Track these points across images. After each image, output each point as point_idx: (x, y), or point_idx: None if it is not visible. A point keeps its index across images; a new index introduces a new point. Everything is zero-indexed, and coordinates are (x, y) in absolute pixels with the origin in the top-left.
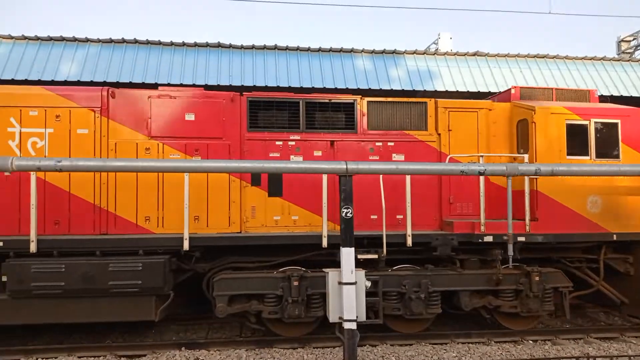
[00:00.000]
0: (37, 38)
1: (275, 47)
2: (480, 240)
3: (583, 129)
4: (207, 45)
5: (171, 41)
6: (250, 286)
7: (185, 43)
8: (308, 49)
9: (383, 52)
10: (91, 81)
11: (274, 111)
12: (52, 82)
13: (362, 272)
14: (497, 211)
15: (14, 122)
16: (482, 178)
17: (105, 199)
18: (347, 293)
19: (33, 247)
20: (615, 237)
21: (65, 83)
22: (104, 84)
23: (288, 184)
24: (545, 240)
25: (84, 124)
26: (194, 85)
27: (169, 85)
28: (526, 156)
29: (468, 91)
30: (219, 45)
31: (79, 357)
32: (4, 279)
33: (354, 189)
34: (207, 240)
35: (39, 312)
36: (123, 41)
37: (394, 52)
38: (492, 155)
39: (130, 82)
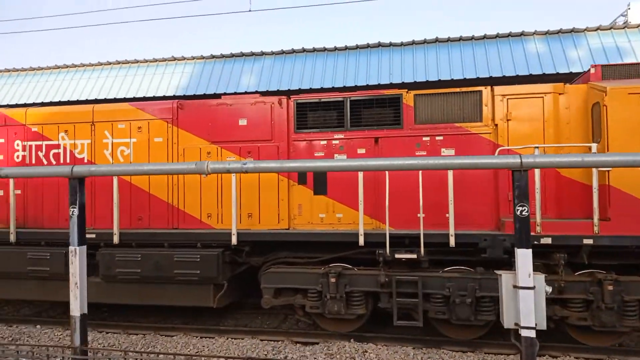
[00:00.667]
0: (222, 56)
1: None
2: (535, 242)
3: None
4: (262, 54)
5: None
6: (293, 281)
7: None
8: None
9: (559, 32)
10: (267, 90)
11: (320, 112)
12: (235, 94)
13: (541, 277)
14: (571, 209)
15: (108, 134)
16: (537, 171)
17: (177, 198)
18: (524, 298)
19: (116, 239)
20: None
21: (245, 94)
22: (277, 92)
23: (332, 183)
24: (616, 244)
25: (160, 134)
26: (256, 92)
27: (256, 92)
28: (595, 145)
29: None
30: (271, 53)
31: (261, 340)
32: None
33: (399, 184)
34: (252, 236)
35: (123, 294)
36: (292, 51)
37: (572, 30)
38: (561, 145)
39: (299, 89)
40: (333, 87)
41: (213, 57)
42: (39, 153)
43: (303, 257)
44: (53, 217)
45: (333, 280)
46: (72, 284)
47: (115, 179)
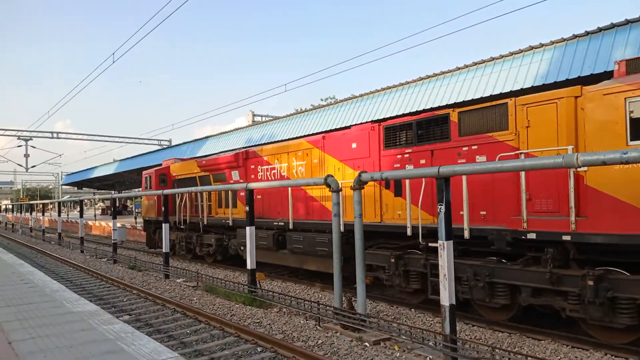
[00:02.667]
0: (586, 33)
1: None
2: (523, 237)
3: None
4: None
5: None
6: (375, 260)
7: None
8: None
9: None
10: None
11: (397, 133)
12: (604, 74)
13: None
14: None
15: (293, 159)
16: (522, 173)
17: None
18: None
19: (291, 225)
20: None
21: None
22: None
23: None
24: (589, 241)
25: (316, 157)
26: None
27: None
28: (570, 148)
29: None
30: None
31: None
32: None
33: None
34: (349, 226)
35: (295, 261)
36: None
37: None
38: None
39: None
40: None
41: (575, 37)
42: (267, 172)
43: (391, 243)
44: (273, 211)
45: (392, 260)
46: (442, 276)
47: (464, 178)
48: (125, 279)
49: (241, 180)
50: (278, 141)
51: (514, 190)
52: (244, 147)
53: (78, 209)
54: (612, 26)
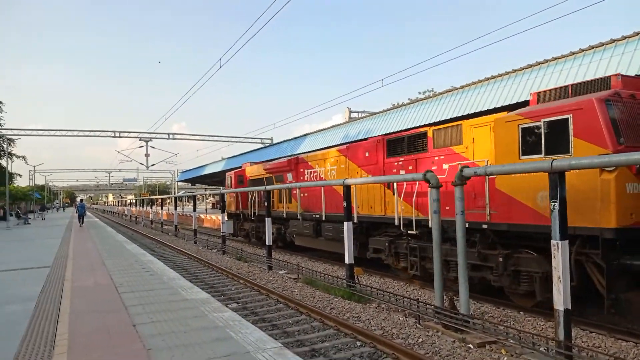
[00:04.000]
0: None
1: None
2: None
3: (535, 130)
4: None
5: None
6: (377, 244)
7: None
8: None
9: None
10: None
11: (396, 145)
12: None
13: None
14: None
15: (328, 164)
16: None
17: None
18: None
19: (299, 216)
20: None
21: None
22: None
23: None
24: (503, 229)
25: (343, 163)
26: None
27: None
28: (487, 160)
29: None
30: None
31: None
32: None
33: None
34: (364, 217)
35: (306, 242)
36: None
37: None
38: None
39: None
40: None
41: None
42: (311, 175)
43: (393, 232)
44: (314, 207)
45: (387, 244)
46: (555, 278)
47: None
48: (233, 269)
49: (293, 181)
50: (321, 149)
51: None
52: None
53: (192, 203)
54: None
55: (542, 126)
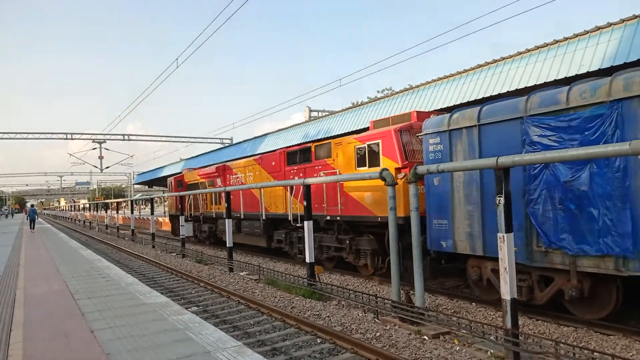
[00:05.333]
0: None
1: None
2: (327, 219)
3: (362, 150)
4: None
5: None
6: (280, 235)
7: None
8: None
9: None
10: None
11: (292, 156)
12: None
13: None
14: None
15: (248, 172)
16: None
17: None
18: None
19: (242, 215)
20: (379, 219)
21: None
22: None
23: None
24: (348, 220)
25: (258, 170)
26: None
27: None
28: (338, 171)
29: None
30: None
31: None
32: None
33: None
34: (271, 214)
35: (244, 239)
36: None
37: None
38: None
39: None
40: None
41: None
42: (235, 180)
43: (298, 225)
44: (237, 208)
45: (284, 236)
46: (502, 269)
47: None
48: (193, 272)
49: (221, 185)
50: (248, 156)
51: (322, 195)
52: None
53: (149, 206)
54: None
55: (366, 147)
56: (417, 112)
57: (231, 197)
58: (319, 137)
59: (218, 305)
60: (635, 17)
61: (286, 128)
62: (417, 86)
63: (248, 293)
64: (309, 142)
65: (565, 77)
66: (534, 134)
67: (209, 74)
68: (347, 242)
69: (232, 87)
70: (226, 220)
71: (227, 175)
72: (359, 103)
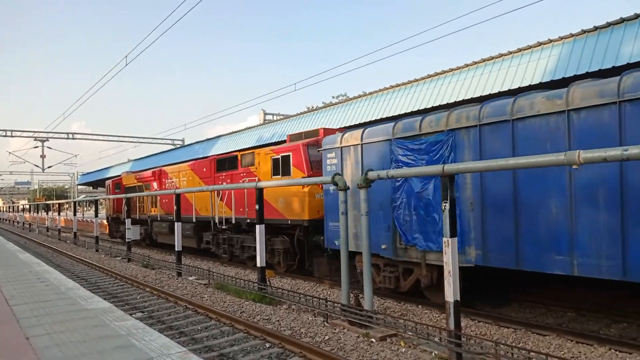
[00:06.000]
0: (595, 29)
1: None
2: (247, 221)
3: (277, 160)
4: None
5: None
6: (206, 237)
7: None
8: None
9: None
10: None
11: (221, 163)
12: (612, 69)
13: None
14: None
15: (182, 177)
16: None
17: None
18: None
19: (159, 218)
20: (289, 222)
21: (627, 67)
22: None
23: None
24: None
25: (191, 175)
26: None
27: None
28: (257, 179)
29: None
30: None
31: None
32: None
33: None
34: (201, 217)
35: (164, 239)
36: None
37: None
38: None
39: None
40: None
41: (584, 32)
42: (170, 184)
43: (223, 228)
44: (171, 210)
45: (211, 237)
46: (446, 272)
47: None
48: (139, 277)
49: (156, 188)
50: (180, 162)
51: (243, 200)
52: (196, 159)
53: (93, 208)
54: (622, 21)
55: (280, 158)
56: (324, 129)
57: (165, 200)
58: (274, 141)
59: (164, 311)
60: (571, 35)
61: (240, 131)
62: (370, 93)
63: (196, 298)
64: (236, 151)
65: (509, 90)
66: (398, 153)
67: (161, 74)
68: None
69: (184, 88)
70: (175, 223)
71: (163, 180)
72: (314, 108)
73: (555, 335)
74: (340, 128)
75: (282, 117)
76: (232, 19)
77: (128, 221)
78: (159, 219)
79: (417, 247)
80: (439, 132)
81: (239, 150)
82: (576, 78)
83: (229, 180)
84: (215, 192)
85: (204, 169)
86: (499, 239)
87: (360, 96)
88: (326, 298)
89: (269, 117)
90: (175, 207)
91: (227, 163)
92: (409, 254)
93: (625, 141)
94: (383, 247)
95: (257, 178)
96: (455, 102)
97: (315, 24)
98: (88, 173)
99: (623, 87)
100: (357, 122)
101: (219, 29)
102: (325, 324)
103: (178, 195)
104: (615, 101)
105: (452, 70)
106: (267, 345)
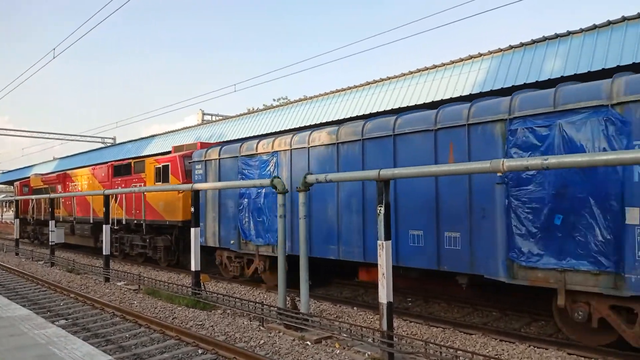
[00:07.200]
0: (521, 44)
1: None
2: (135, 222)
3: (159, 169)
4: (568, 33)
5: None
6: (123, 239)
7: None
8: None
9: None
10: (574, 74)
11: (117, 169)
12: (536, 84)
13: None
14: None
15: (83, 180)
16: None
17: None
18: None
19: (61, 219)
20: (167, 223)
21: (548, 82)
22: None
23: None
24: (148, 223)
25: (91, 179)
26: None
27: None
28: (144, 183)
29: None
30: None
31: (569, 354)
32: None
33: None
34: (96, 219)
35: (77, 240)
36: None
37: None
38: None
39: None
40: (357, 115)
41: (511, 47)
42: (73, 187)
43: (116, 228)
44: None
45: (116, 237)
46: (380, 274)
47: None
48: (63, 282)
49: (60, 191)
50: (85, 166)
51: (132, 203)
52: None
53: (13, 209)
54: (544, 39)
55: (162, 167)
56: (201, 143)
57: (62, 200)
58: (212, 141)
59: (90, 318)
60: (500, 50)
61: (176, 130)
62: (311, 97)
63: (125, 304)
64: (130, 158)
65: (442, 100)
66: (242, 168)
67: (93, 69)
68: (148, 240)
69: (117, 84)
70: (104, 225)
71: (67, 183)
72: (255, 110)
73: (481, 333)
74: (216, 142)
75: (221, 117)
76: (170, 12)
77: (52, 223)
78: (61, 219)
79: (252, 242)
80: (268, 153)
81: (133, 158)
82: (503, 90)
83: (123, 185)
84: (111, 195)
85: (103, 174)
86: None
87: (301, 100)
88: (262, 302)
89: (208, 117)
90: (104, 209)
91: (122, 169)
92: (249, 247)
93: (365, 164)
94: (232, 242)
95: (144, 184)
96: (392, 108)
97: (257, 27)
98: (8, 171)
99: (365, 129)
100: (299, 126)
101: (158, 20)
102: (261, 328)
103: (107, 197)
104: (360, 139)
105: (389, 78)
106: (200, 351)
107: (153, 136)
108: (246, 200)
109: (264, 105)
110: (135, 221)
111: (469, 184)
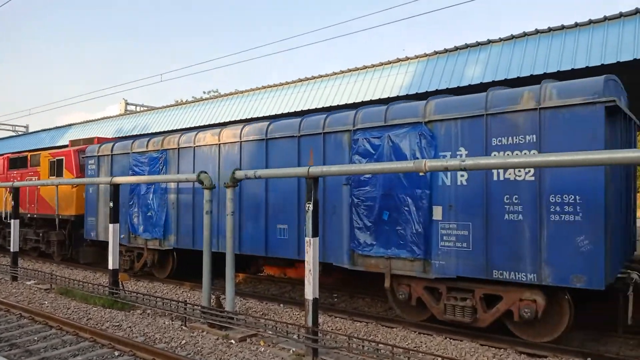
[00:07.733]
0: (445, 51)
1: None
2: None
3: (53, 162)
4: (488, 42)
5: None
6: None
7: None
8: None
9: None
10: (492, 81)
11: (13, 161)
12: (457, 89)
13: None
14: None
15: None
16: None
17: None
18: None
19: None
20: (60, 216)
21: (469, 88)
22: (503, 82)
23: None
24: (41, 217)
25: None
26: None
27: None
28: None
29: None
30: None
31: (481, 345)
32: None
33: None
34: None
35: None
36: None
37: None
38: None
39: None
40: (289, 112)
41: (436, 53)
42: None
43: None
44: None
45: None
46: (307, 271)
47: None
48: None
49: None
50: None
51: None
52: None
53: None
54: (466, 46)
55: (56, 161)
56: (98, 138)
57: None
58: (135, 133)
59: None
60: (426, 55)
61: (95, 120)
62: (242, 92)
63: (34, 305)
64: (26, 151)
65: (371, 100)
66: (132, 164)
67: (5, 48)
68: (41, 234)
69: (32, 67)
70: (12, 220)
71: None
72: (183, 101)
73: (402, 327)
74: (114, 138)
75: (146, 108)
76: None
77: None
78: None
79: (141, 237)
80: (157, 151)
81: (30, 151)
82: (428, 94)
83: (19, 178)
84: (6, 188)
85: None
86: (186, 230)
87: (232, 93)
88: (185, 300)
89: (131, 107)
90: (12, 203)
91: (18, 162)
92: (138, 241)
93: (242, 164)
94: (122, 236)
95: (38, 177)
96: (323, 107)
97: (187, 17)
98: None
99: (243, 132)
100: (229, 120)
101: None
102: (184, 327)
103: (17, 189)
104: (238, 141)
105: (321, 76)
106: (116, 353)
107: (70, 125)
108: (136, 196)
109: (193, 97)
110: (29, 215)
111: (324, 184)
